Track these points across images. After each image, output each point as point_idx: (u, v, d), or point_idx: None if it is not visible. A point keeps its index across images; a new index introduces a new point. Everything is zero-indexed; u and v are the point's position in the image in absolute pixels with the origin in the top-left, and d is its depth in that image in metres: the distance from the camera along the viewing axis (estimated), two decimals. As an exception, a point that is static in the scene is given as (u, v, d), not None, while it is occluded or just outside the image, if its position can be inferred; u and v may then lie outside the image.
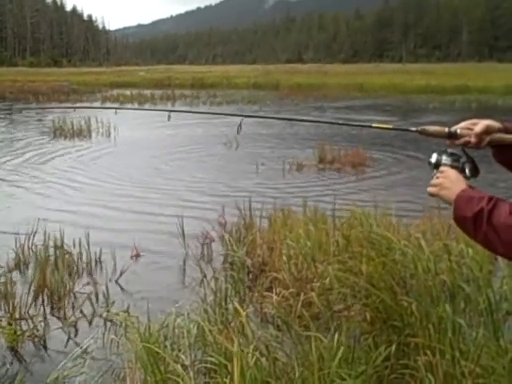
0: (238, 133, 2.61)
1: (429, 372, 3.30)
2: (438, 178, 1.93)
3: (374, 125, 2.17)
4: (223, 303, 4.52)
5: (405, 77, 50.84)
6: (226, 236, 6.79)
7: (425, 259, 4.03)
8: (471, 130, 1.93)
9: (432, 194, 1.95)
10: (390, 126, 2.14)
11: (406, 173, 13.10)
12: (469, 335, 3.35)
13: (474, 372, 3.17)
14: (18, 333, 5.02)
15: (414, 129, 2.05)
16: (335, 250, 5.18)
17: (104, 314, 5.46)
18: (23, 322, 5.27)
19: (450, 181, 1.88)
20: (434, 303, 3.69)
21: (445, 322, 3.40)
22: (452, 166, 1.92)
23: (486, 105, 31.98)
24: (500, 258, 5.26)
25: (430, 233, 6.12)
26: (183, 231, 7.44)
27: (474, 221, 1.75)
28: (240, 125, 2.57)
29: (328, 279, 4.22)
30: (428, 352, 3.34)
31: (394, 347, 3.52)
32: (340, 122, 2.52)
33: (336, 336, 3.37)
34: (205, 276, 6.18)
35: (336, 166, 13.60)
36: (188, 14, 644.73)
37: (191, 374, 3.34)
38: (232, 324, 3.71)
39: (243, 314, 3.41)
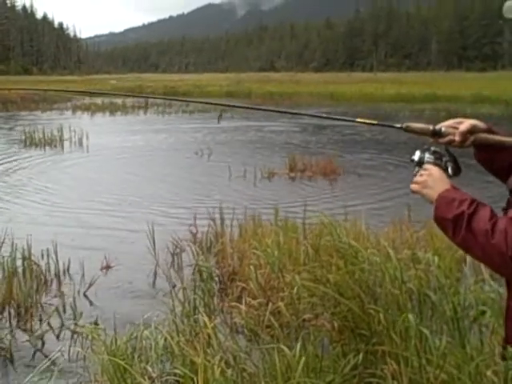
0: (218, 122, 2.60)
1: (395, 380, 3.32)
2: (421, 175, 1.91)
3: (358, 119, 2.15)
4: (191, 314, 4.49)
5: (375, 85, 51.41)
6: (194, 246, 6.76)
7: (392, 268, 4.06)
8: (456, 128, 1.94)
9: (414, 192, 1.94)
10: (375, 122, 2.13)
11: (376, 181, 13.20)
12: (434, 343, 3.38)
13: (440, 379, 3.20)
14: (-16, 346, 4.92)
15: (398, 125, 2.04)
16: (305, 259, 5.18)
17: (72, 327, 5.38)
18: (-12, 336, 5.17)
19: (434, 179, 1.87)
20: (401, 311, 3.72)
21: (410, 330, 3.42)
22: (435, 164, 1.92)
23: (455, 113, 32.33)
24: (467, 266, 5.33)
25: (399, 241, 6.17)
26: (154, 242, 7.38)
27: (454, 223, 1.75)
28: (220, 115, 2.57)
29: (296, 288, 4.22)
30: (394, 360, 3.36)
31: (361, 356, 3.52)
32: (323, 115, 2.45)
33: (299, 346, 3.36)
34: (174, 287, 6.15)
35: (307, 174, 13.66)
36: (160, 23, 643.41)
37: (158, 386, 3.31)
38: (199, 335, 3.68)
39: (209, 325, 3.39)
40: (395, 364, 3.30)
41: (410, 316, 3.44)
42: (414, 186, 1.94)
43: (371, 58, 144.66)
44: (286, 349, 3.24)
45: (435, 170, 1.89)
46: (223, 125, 27.50)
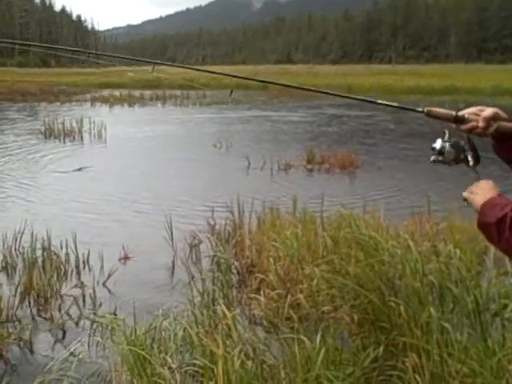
0: (230, 95, 2.60)
1: (416, 373, 3.29)
2: (474, 185, 1.90)
3: (379, 101, 2.11)
4: (210, 305, 4.49)
5: (394, 78, 50.96)
6: (213, 238, 6.76)
7: (413, 260, 4.02)
8: (479, 115, 1.91)
9: (465, 199, 1.92)
10: (395, 104, 2.08)
11: (396, 173, 13.11)
12: (456, 336, 3.34)
13: (462, 373, 3.16)
14: (5, 335, 4.96)
15: (420, 109, 1.99)
16: (323, 250, 5.16)
17: (91, 317, 5.41)
18: (9, 325, 5.21)
19: (481, 188, 1.85)
20: (422, 304, 3.68)
21: (432, 324, 3.38)
22: (455, 155, 1.89)
23: (474, 105, 32.05)
24: (489, 259, 5.27)
25: (419, 234, 6.12)
26: (172, 233, 7.39)
27: (498, 227, 1.72)
28: (231, 91, 2.60)
29: (315, 280, 4.19)
30: (415, 353, 3.33)
31: (381, 349, 3.50)
32: (343, 95, 2.41)
33: (319, 337, 3.34)
34: (192, 278, 6.16)
35: (325, 166, 13.60)
36: (177, 15, 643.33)
37: (178, 377, 3.31)
38: (218, 326, 3.67)
39: (229, 316, 3.39)
40: (416, 357, 3.27)
41: (432, 310, 3.40)
42: (464, 193, 1.92)
43: (389, 50, 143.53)
44: (306, 340, 3.22)
45: (484, 182, 1.88)
46: (240, 115, 27.51)
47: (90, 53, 2.88)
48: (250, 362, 3.10)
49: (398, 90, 41.60)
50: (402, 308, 3.72)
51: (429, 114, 1.97)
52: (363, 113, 27.62)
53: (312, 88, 2.39)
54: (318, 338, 3.29)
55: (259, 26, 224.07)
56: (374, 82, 45.93)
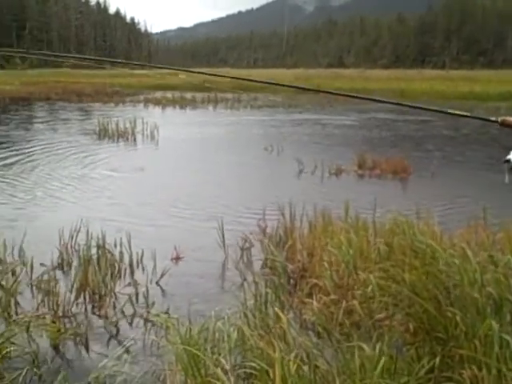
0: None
1: (474, 386, 3.23)
2: None
3: (450, 111, 2.08)
4: (263, 308, 4.50)
5: (447, 83, 50.08)
6: (266, 241, 6.77)
7: (471, 270, 3.93)
8: None
9: None
10: (468, 114, 2.05)
11: (450, 181, 12.86)
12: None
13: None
14: (61, 331, 5.09)
15: (493, 118, 1.95)
16: (376, 257, 5.11)
17: (144, 315, 5.50)
18: (66, 321, 5.34)
19: None
20: (480, 315, 3.60)
21: (491, 336, 3.31)
22: None
23: (531, 112, 31.26)
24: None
25: (475, 243, 5.99)
26: (223, 235, 7.45)
27: None
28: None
29: (370, 287, 4.16)
30: (473, 366, 3.26)
31: (438, 359, 3.44)
32: (418, 105, 2.37)
33: (378, 345, 3.32)
34: (244, 280, 6.18)
35: (376, 172, 13.45)
36: (229, 18, 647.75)
37: (231, 378, 3.34)
38: (273, 330, 3.68)
39: (285, 319, 3.39)
40: (476, 369, 3.21)
41: (493, 322, 3.32)
42: None
43: (443, 54, 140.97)
44: (366, 348, 3.20)
45: None
46: (291, 118, 27.51)
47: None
48: (306, 367, 3.10)
49: (451, 95, 40.83)
50: (458, 318, 3.65)
51: (503, 124, 1.92)
52: (416, 118, 27.24)
53: (379, 98, 2.37)
54: (378, 346, 3.26)
55: (311, 30, 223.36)
56: (426, 88, 45.23)
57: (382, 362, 3.14)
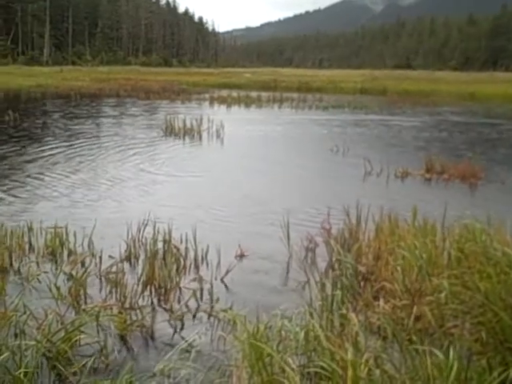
0: None
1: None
2: None
3: None
4: (330, 309, 4.47)
5: (521, 86, 48.43)
6: (332, 242, 6.72)
7: (548, 280, 3.79)
8: None
9: None
10: None
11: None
12: None
13: None
14: (128, 322, 5.20)
15: None
16: (447, 263, 4.99)
17: (208, 310, 5.56)
18: (132, 312, 5.45)
19: None
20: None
21: None
22: None
23: None
24: None
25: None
26: (288, 234, 7.44)
27: None
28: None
29: (444, 293, 4.05)
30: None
31: (511, 371, 3.32)
32: None
33: (450, 353, 3.23)
34: (309, 280, 6.15)
35: (444, 176, 13.12)
36: (296, 18, 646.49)
37: (297, 377, 3.32)
38: (344, 331, 3.64)
39: (355, 321, 3.35)
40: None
41: None
42: None
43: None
44: (438, 354, 3.12)
45: None
46: (357, 118, 27.24)
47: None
48: (377, 372, 3.05)
49: (525, 99, 39.50)
50: (534, 330, 3.52)
51: None
52: (488, 120, 26.49)
53: None
54: (451, 353, 3.17)
55: (378, 30, 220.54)
56: (499, 91, 43.84)
57: (454, 369, 3.05)
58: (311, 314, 4.31)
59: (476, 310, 3.94)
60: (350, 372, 2.80)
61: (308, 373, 3.63)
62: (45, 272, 6.49)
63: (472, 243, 4.90)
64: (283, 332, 4.01)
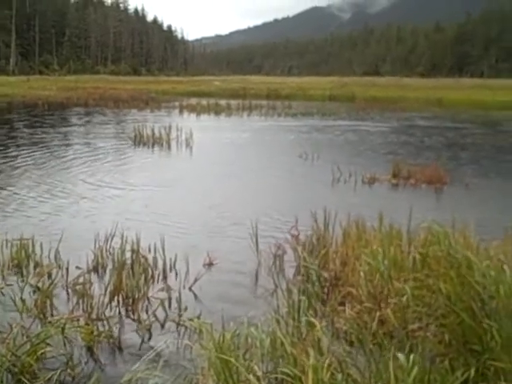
0: None
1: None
2: None
3: None
4: (296, 315, 4.49)
5: (486, 92, 49.36)
6: (300, 248, 6.76)
7: (508, 282, 3.87)
8: None
9: None
10: None
11: (485, 191, 12.66)
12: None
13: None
14: (95, 333, 5.16)
15: None
16: (411, 267, 5.05)
17: (177, 320, 5.54)
18: (99, 323, 5.41)
19: None
20: (517, 328, 3.54)
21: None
22: None
23: None
24: None
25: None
26: (257, 241, 7.47)
27: None
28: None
29: (405, 297, 4.11)
30: (510, 378, 3.20)
31: (472, 371, 3.39)
32: None
33: (412, 356, 3.28)
34: (277, 287, 6.18)
35: (411, 181, 13.30)
36: (265, 26, 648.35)
37: (263, 384, 3.34)
38: (307, 337, 3.67)
39: (318, 327, 3.38)
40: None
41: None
42: None
43: (481, 63, 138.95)
44: (400, 357, 3.17)
45: None
46: (325, 124, 27.43)
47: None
48: (339, 376, 3.08)
49: (490, 105, 40.26)
50: (494, 330, 3.59)
51: None
52: (454, 125, 26.96)
53: None
54: (412, 356, 3.22)
55: (347, 37, 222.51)
56: (464, 97, 44.65)
57: (414, 372, 3.10)
58: (278, 321, 4.33)
59: (439, 313, 4.00)
60: (310, 376, 2.82)
61: (276, 378, 3.65)
62: (9, 285, 6.40)
63: (436, 247, 4.97)
64: (250, 339, 4.02)
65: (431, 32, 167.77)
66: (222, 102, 40.10)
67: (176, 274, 6.91)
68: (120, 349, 5.09)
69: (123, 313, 5.85)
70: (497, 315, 3.69)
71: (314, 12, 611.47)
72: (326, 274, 6.13)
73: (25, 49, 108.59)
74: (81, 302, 5.82)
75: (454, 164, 15.95)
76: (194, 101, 43.12)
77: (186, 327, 5.32)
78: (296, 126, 27.53)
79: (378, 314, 4.15)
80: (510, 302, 3.72)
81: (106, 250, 7.39)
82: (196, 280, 6.56)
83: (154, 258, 7.09)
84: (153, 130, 20.39)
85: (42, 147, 18.80)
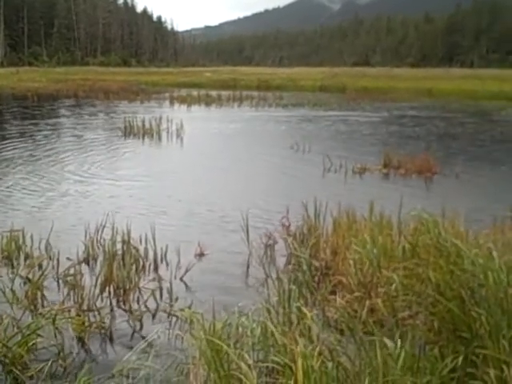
0: None
1: (498, 386, 3.20)
2: None
3: None
4: (286, 304, 4.51)
5: (476, 82, 49.50)
6: (290, 238, 6.77)
7: (496, 270, 3.89)
8: None
9: None
10: None
11: (476, 181, 12.73)
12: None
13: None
14: (86, 324, 5.16)
15: None
16: (401, 256, 5.08)
17: (168, 310, 5.55)
18: (90, 314, 5.40)
19: None
20: (505, 315, 3.56)
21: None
22: None
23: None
24: None
25: (501, 243, 5.91)
26: (247, 231, 7.48)
27: None
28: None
29: (394, 285, 4.14)
30: (498, 366, 3.23)
31: (461, 359, 3.42)
32: None
33: (398, 343, 3.30)
34: (268, 276, 6.20)
35: (401, 171, 13.34)
36: (255, 16, 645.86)
37: (254, 373, 3.35)
38: (298, 326, 3.69)
39: (308, 316, 3.39)
40: (500, 369, 3.18)
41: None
42: None
43: (471, 53, 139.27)
44: (389, 343, 3.19)
45: None
46: (316, 114, 27.43)
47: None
48: (330, 364, 3.09)
49: (480, 95, 40.36)
50: (483, 318, 3.62)
51: None
52: (444, 115, 27.05)
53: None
54: (398, 343, 3.24)
55: (337, 28, 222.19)
56: (454, 87, 44.75)
57: (401, 357, 3.13)
58: (268, 311, 4.34)
59: (428, 301, 4.03)
60: (299, 364, 2.83)
61: (267, 367, 3.66)
62: (-1, 276, 6.39)
63: (425, 236, 5.00)
64: (241, 329, 4.03)
65: (421, 23, 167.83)
66: (213, 93, 39.97)
67: (167, 265, 6.91)
68: (111, 339, 5.10)
69: (114, 303, 5.85)
70: (485, 303, 3.72)
71: (304, 3, 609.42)
72: (316, 264, 6.15)
73: (14, 40, 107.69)
74: (72, 293, 5.82)
75: (444, 153, 16.01)
76: (184, 92, 42.97)
77: (177, 317, 5.33)
78: (287, 116, 27.50)
79: (368, 302, 4.18)
80: (498, 290, 3.75)
81: (97, 241, 7.39)
82: (187, 270, 6.57)
83: (145, 249, 7.08)
84: (143, 121, 20.31)
85: (31, 139, 18.70)
